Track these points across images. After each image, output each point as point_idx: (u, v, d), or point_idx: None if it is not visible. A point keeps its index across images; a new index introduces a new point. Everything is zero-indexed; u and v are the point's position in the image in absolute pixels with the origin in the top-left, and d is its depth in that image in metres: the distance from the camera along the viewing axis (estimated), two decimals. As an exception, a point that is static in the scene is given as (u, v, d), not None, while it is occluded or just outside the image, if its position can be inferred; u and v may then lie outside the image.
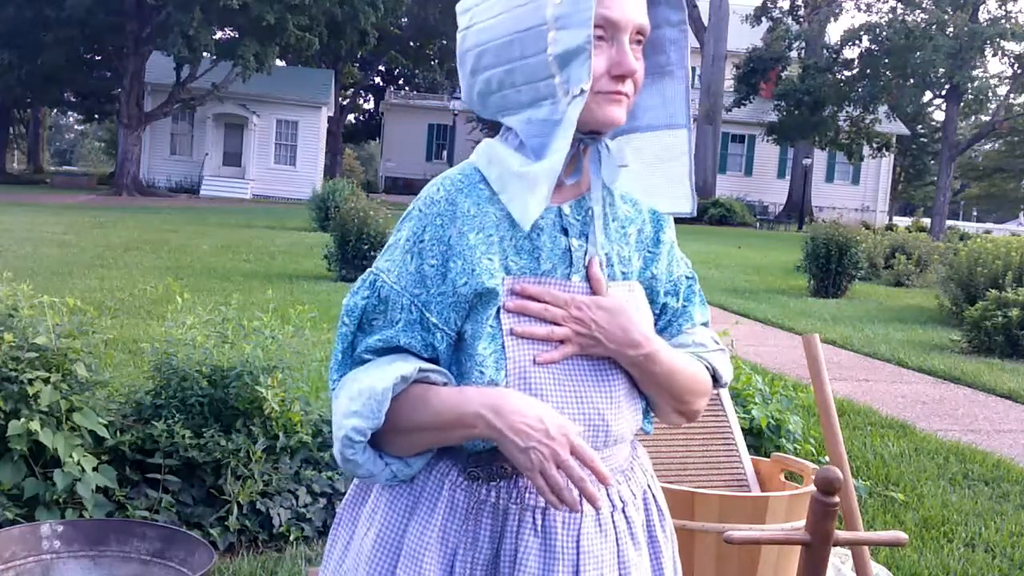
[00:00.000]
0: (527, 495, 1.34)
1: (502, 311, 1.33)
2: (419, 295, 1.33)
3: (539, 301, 1.35)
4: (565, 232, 1.38)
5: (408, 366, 1.30)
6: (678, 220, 1.52)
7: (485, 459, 1.35)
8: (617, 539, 1.39)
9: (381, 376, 1.30)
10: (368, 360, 1.35)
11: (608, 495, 1.39)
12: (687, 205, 1.43)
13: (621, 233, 1.44)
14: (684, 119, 1.43)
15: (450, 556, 1.34)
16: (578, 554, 1.35)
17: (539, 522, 1.34)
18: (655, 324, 1.48)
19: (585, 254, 1.38)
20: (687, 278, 1.53)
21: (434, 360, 1.36)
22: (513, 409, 1.25)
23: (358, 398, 1.30)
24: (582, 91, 1.28)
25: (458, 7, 1.41)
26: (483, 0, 1.36)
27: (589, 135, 1.37)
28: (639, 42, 1.35)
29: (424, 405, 1.30)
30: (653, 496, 1.49)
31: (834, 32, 40.58)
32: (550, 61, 1.29)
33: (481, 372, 1.32)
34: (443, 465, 1.37)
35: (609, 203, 1.43)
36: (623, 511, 1.41)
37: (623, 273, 1.43)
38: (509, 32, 1.31)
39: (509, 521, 1.34)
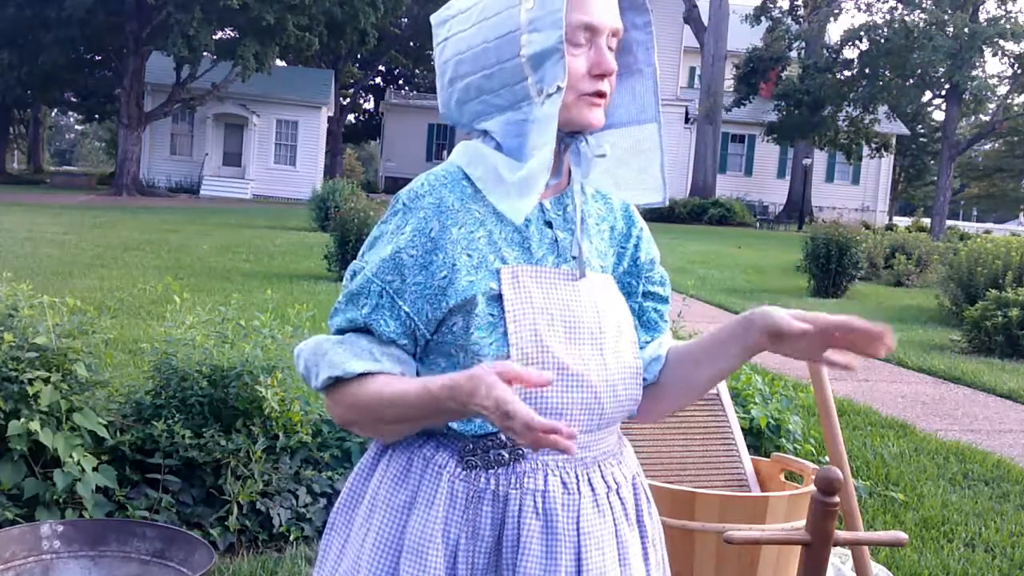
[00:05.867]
0: (526, 480, 1.36)
1: (504, 299, 1.36)
2: (391, 282, 1.36)
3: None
4: (549, 225, 1.44)
5: (358, 364, 1.34)
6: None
7: (482, 447, 1.36)
8: (614, 519, 1.42)
9: (340, 362, 1.35)
10: (344, 330, 1.39)
11: (603, 476, 1.43)
12: (658, 196, 1.48)
13: (597, 228, 1.50)
14: (654, 113, 1.49)
15: (453, 547, 1.36)
16: (579, 535, 1.37)
17: (540, 505, 1.36)
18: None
19: (571, 245, 1.44)
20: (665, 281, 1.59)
21: (407, 350, 1.38)
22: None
23: (311, 358, 1.39)
24: (559, 88, 1.33)
25: (434, 19, 1.47)
26: (460, 12, 1.42)
27: (570, 135, 1.42)
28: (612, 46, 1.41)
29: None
30: (641, 483, 1.53)
31: (834, 32, 40.46)
32: (524, 63, 1.35)
33: (479, 361, 1.34)
34: (440, 458, 1.39)
35: (584, 200, 1.50)
36: (617, 492, 1.44)
37: (601, 267, 1.49)
38: (485, 40, 1.37)
39: (510, 507, 1.36)
